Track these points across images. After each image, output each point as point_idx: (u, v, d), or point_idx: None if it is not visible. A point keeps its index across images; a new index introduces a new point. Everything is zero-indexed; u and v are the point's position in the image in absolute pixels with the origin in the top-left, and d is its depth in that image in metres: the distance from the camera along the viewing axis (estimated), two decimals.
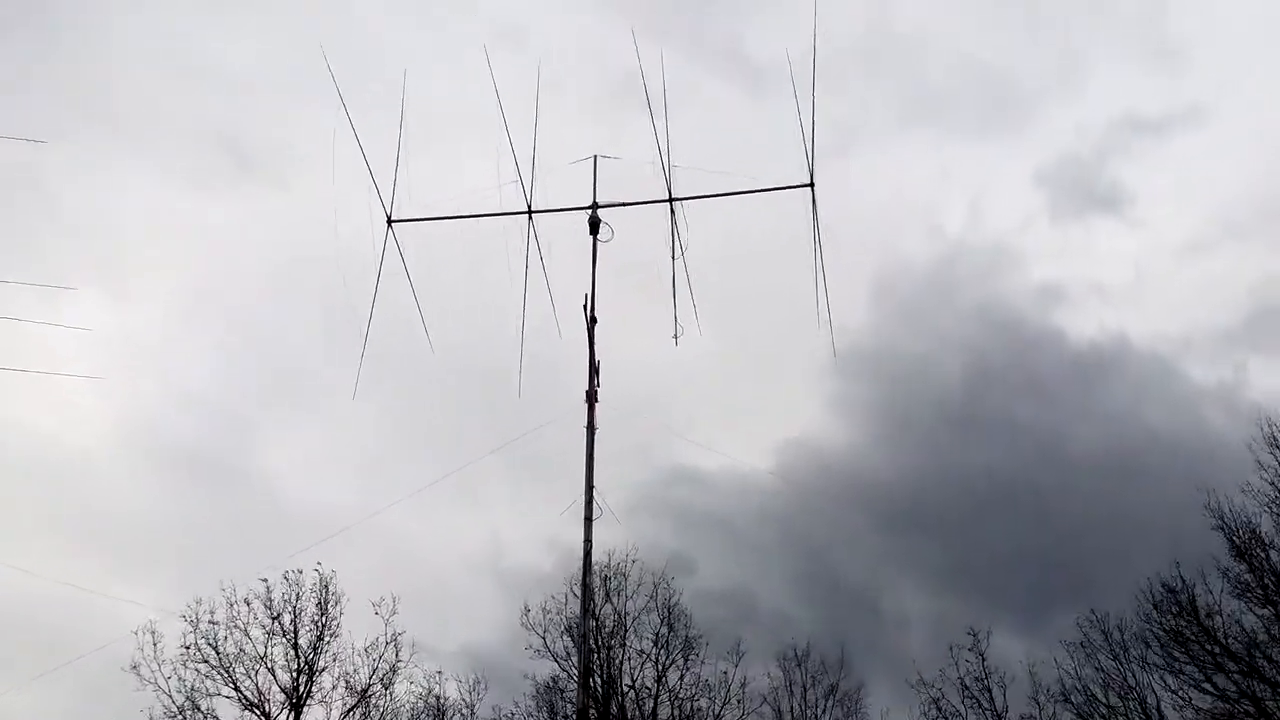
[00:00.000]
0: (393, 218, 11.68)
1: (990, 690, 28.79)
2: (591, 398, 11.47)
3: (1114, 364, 50.21)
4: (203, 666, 25.62)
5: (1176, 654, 25.75)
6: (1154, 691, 26.62)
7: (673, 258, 11.97)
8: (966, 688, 28.87)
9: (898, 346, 48.76)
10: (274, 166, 61.21)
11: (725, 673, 28.63)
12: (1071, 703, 27.68)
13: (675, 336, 11.98)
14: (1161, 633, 26.38)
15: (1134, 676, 26.99)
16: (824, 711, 29.36)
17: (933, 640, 37.34)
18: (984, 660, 29.04)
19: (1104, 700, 27.32)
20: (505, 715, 28.12)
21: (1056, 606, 34.03)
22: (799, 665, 29.85)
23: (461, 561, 41.97)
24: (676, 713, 27.80)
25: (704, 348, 11.93)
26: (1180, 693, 25.68)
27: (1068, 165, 62.08)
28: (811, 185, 11.40)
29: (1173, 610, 26.13)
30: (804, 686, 29.66)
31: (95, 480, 43.98)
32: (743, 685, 28.83)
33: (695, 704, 28.05)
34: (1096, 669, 27.67)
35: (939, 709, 28.87)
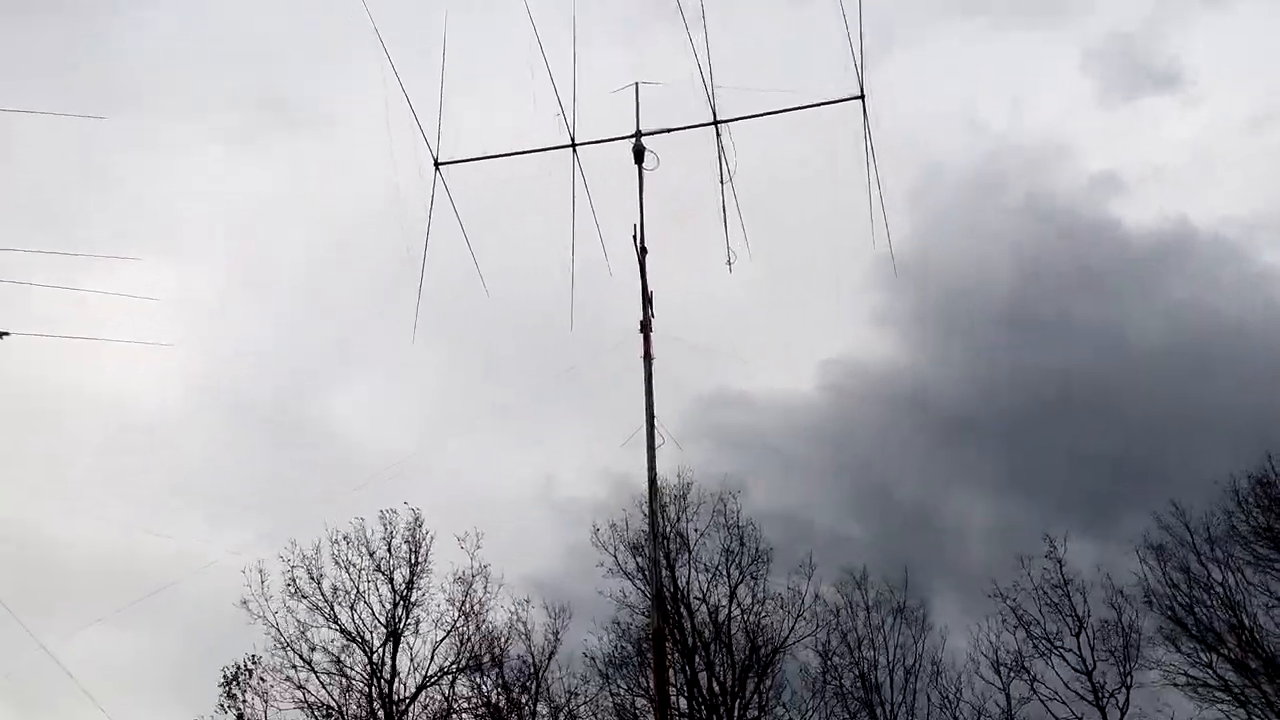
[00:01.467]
0: (439, 160, 11.57)
1: (1070, 597, 28.51)
2: (646, 328, 11.34)
3: (1177, 251, 47.91)
4: (304, 602, 26.94)
5: (1262, 550, 25.08)
6: (1241, 590, 26.07)
7: (721, 182, 11.64)
8: (1045, 594, 28.63)
9: (942, 251, 47.14)
10: (314, 120, 61.66)
11: (800, 590, 28.85)
12: (1154, 606, 27.24)
13: (729, 262, 11.73)
14: (1248, 529, 25.69)
15: (1218, 574, 26.48)
16: (891, 629, 29.44)
17: (996, 549, 36.95)
18: (1062, 567, 28.73)
19: (1189, 597, 26.79)
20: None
21: (1124, 507, 33.18)
22: (858, 588, 29.91)
23: (519, 495, 42.78)
24: (748, 627, 28.15)
25: (748, 272, 11.66)
26: (1269, 590, 25.13)
27: (1117, 44, 58.17)
28: (862, 97, 10.89)
29: (1262, 505, 25.35)
30: (866, 608, 29.72)
31: (176, 441, 45.95)
32: (816, 598, 29.03)
33: (768, 619, 28.38)
34: (1178, 569, 27.17)
35: (1017, 617, 28.71)
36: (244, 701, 25.93)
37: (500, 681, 28.00)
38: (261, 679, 26.21)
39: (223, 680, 26.05)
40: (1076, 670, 27.68)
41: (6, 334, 14.66)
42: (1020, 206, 52.66)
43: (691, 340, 12.07)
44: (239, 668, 26.19)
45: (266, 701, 25.95)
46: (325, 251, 58.04)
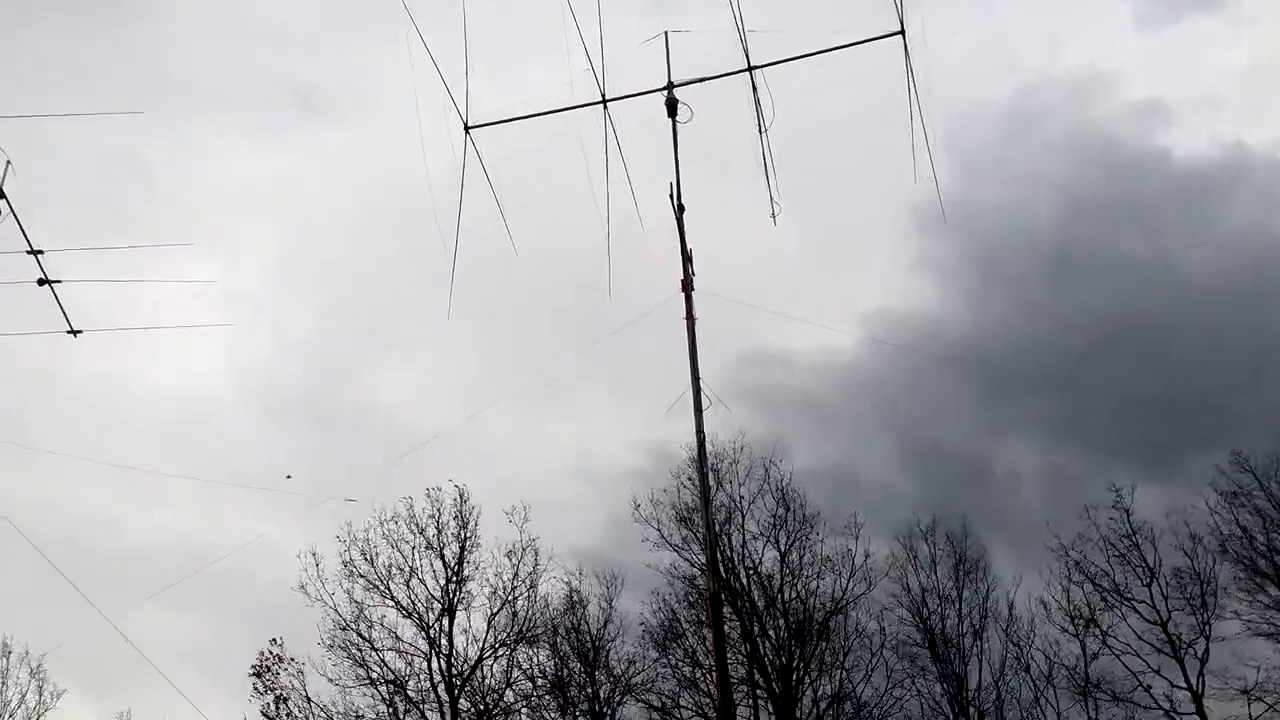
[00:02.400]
0: (469, 124, 11.53)
1: (1139, 546, 28.07)
2: (688, 287, 11.27)
3: (1231, 178, 46.32)
4: (361, 581, 27.59)
5: None
6: None
7: (759, 131, 11.47)
8: (1112, 545, 28.22)
9: (980, 194, 46.11)
10: (338, 104, 62.39)
11: (849, 549, 28.78)
12: (1230, 552, 26.71)
13: (774, 215, 11.60)
14: None
15: None
16: (956, 584, 29.32)
17: (1053, 498, 36.48)
18: (1129, 517, 28.28)
19: (1266, 544, 26.27)
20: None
21: (1186, 448, 32.35)
22: (925, 539, 29.76)
23: (558, 466, 43.11)
24: (801, 591, 28.16)
25: (785, 224, 11.49)
26: None
27: None
28: (902, 32, 10.64)
29: None
30: (933, 561, 29.57)
31: (231, 427, 47.27)
32: (867, 556, 28.95)
33: (820, 581, 28.37)
34: (1253, 513, 26.59)
35: (1083, 571, 28.36)
36: (274, 688, 26.73)
37: (558, 652, 28.49)
38: (293, 660, 27.06)
39: (252, 671, 26.85)
40: (1150, 622, 27.37)
41: (79, 332, 15.22)
42: (1061, 142, 51.34)
43: (729, 298, 11.98)
44: (267, 654, 27.00)
45: (304, 678, 26.79)
46: (362, 233, 58.93)
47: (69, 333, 16.14)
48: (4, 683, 28.57)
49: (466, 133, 11.50)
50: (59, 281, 15.80)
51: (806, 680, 27.33)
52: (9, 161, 15.16)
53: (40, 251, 15.34)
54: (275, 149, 60.56)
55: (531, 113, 11.66)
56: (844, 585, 28.18)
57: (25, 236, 15.15)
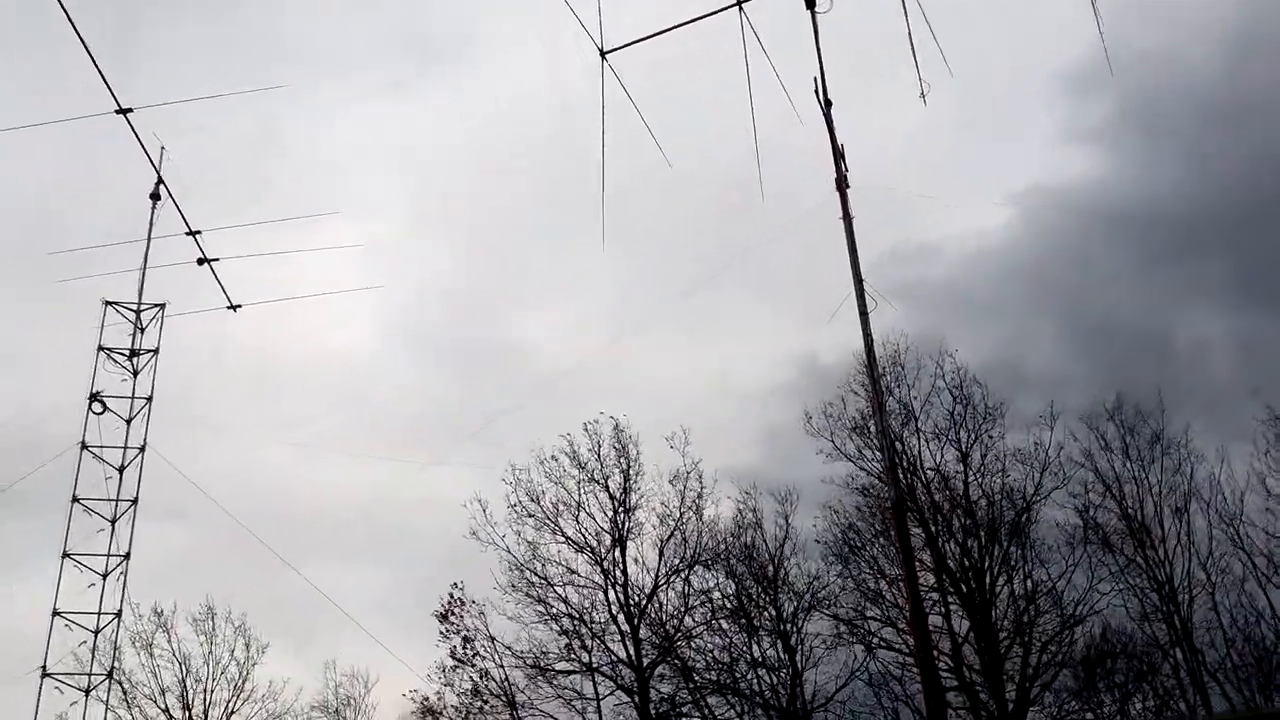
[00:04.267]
0: (604, 49, 12.11)
1: None
2: (842, 185, 11.65)
3: None
4: (530, 521, 29.52)
5: None
6: None
7: (904, 9, 11.62)
8: None
9: (1134, 47, 43.17)
10: (459, 49, 63.87)
11: (1034, 443, 28.60)
12: None
13: (923, 95, 11.80)
14: None
15: None
16: (1150, 463, 28.78)
17: (1249, 363, 34.98)
18: None
19: None
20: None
21: None
22: (1113, 419, 29.25)
23: (704, 390, 43.84)
24: (989, 489, 28.28)
25: (922, 109, 11.62)
26: None
27: None
28: None
29: None
30: (1124, 442, 29.05)
31: (389, 382, 50.58)
32: (1060, 449, 28.71)
33: (1006, 478, 28.39)
34: None
35: None
36: (461, 627, 29.15)
37: (734, 574, 29.78)
38: (473, 602, 29.38)
39: (438, 614, 29.35)
40: None
41: (239, 307, 17.15)
42: None
43: (878, 189, 12.26)
44: (450, 599, 29.44)
45: (485, 619, 29.10)
46: (494, 174, 60.97)
47: (229, 308, 18.12)
48: (212, 642, 32.16)
49: (603, 58, 12.10)
50: (217, 260, 17.68)
51: (1001, 581, 27.64)
52: (163, 148, 16.93)
53: (198, 232, 17.18)
54: (403, 102, 63.24)
55: (665, 27, 12.16)
56: (1036, 479, 28.23)
57: (184, 219, 16.96)
